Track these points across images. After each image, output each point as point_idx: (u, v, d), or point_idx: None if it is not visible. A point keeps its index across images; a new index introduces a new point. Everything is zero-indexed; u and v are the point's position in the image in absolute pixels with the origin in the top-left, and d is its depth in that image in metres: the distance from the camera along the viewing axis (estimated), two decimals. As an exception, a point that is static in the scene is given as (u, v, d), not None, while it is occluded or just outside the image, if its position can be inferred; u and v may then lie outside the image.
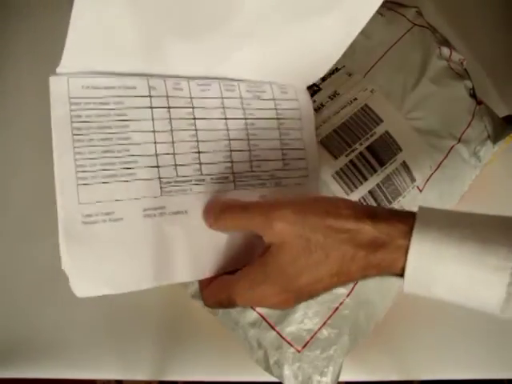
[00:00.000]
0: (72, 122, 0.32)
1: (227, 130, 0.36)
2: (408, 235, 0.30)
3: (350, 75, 0.49)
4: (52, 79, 0.33)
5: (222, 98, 0.36)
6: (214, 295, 0.33)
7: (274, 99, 0.39)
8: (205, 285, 0.34)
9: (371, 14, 0.38)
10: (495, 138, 0.50)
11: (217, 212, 0.34)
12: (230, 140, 0.36)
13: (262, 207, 0.33)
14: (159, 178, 0.33)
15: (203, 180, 0.35)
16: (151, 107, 0.33)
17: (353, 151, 0.46)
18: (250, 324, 0.44)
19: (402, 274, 0.31)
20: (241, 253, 0.37)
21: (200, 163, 0.35)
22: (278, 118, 0.39)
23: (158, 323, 0.50)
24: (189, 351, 0.49)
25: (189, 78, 0.36)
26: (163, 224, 0.33)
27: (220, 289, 0.33)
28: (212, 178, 0.35)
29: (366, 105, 0.47)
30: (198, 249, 0.35)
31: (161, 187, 0.33)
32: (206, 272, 0.35)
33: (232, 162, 0.36)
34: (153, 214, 0.33)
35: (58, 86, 0.33)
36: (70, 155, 0.32)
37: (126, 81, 0.33)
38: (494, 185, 0.54)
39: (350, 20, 0.38)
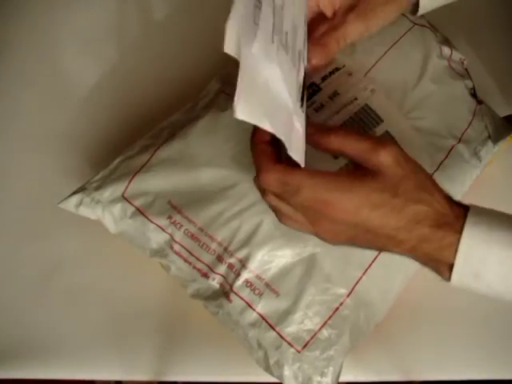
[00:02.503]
0: None
1: None
2: (462, 219, 0.32)
3: (350, 75, 0.49)
4: None
5: None
6: (282, 181, 0.34)
7: None
8: (277, 169, 0.34)
9: None
10: (496, 137, 0.50)
11: (323, 133, 0.36)
12: None
13: (371, 137, 0.36)
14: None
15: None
16: None
17: (353, 151, 0.46)
18: (250, 324, 0.44)
19: (449, 269, 0.32)
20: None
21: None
22: None
23: (158, 323, 0.50)
24: (189, 351, 0.49)
25: None
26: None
27: (289, 176, 0.34)
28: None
29: (367, 104, 0.47)
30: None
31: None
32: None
33: None
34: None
35: None
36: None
37: None
38: (494, 185, 0.54)
39: None
